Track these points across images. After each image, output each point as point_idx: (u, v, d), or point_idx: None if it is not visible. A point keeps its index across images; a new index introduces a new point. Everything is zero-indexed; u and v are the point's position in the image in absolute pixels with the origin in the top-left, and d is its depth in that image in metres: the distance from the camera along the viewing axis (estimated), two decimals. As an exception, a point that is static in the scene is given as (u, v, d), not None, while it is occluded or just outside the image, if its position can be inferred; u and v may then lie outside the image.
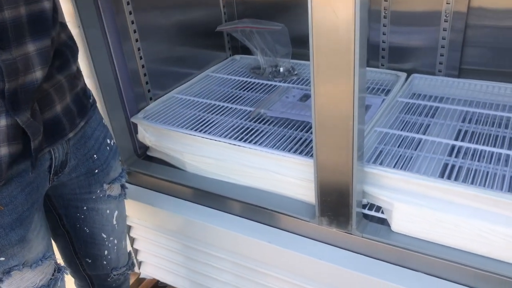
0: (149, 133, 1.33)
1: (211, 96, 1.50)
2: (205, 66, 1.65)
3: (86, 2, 1.11)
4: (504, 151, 1.07)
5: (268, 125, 1.29)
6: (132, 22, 1.29)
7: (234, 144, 1.18)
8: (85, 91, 0.87)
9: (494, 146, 1.10)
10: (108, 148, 0.93)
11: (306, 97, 1.38)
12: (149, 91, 1.40)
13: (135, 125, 1.35)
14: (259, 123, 1.31)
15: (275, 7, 1.66)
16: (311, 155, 1.10)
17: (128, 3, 1.28)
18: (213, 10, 1.68)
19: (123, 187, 1.00)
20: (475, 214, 0.92)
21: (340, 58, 0.83)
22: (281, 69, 1.54)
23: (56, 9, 0.76)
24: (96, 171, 0.90)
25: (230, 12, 1.73)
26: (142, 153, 1.39)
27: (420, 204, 0.96)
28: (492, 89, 1.33)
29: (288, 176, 1.13)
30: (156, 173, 1.30)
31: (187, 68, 1.57)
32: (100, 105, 1.18)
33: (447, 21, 1.36)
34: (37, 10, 0.69)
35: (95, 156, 0.89)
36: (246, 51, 1.77)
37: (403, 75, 1.42)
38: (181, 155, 1.28)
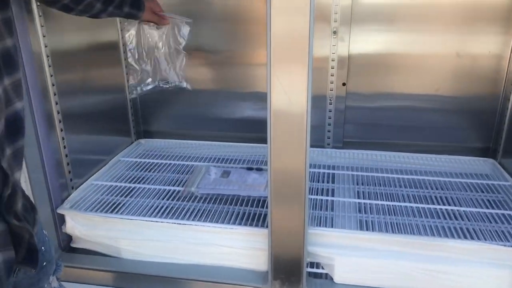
0: (79, 223, 1.28)
1: (129, 180, 1.52)
2: (114, 152, 1.65)
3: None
4: (397, 204, 1.35)
5: (199, 202, 1.37)
6: (58, 112, 1.27)
7: (180, 223, 1.23)
8: None
9: (388, 200, 1.38)
10: (47, 238, 0.90)
11: (226, 173, 1.51)
12: (71, 180, 1.35)
13: (60, 217, 1.28)
14: (190, 201, 1.38)
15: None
16: (256, 226, 1.23)
17: (55, 94, 1.26)
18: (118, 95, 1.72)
19: (58, 278, 0.96)
20: (400, 256, 1.15)
21: (295, 137, 1.01)
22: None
23: None
24: (44, 263, 0.86)
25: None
26: (66, 246, 1.31)
27: (356, 255, 1.15)
28: (370, 157, 1.66)
29: (234, 247, 1.22)
30: (90, 265, 1.24)
31: (99, 155, 1.56)
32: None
33: (331, 104, 1.67)
34: None
35: (43, 248, 0.85)
36: (149, 135, 1.84)
37: (300, 149, 1.67)
38: (116, 242, 1.26)
